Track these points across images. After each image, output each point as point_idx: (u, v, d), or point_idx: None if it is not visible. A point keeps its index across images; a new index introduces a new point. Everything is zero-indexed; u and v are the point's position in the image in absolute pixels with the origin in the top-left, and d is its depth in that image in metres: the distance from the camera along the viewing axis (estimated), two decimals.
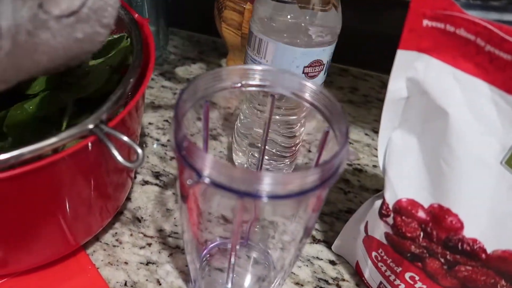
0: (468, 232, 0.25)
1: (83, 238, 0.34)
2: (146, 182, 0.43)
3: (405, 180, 0.27)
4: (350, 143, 0.50)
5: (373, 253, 0.32)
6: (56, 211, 0.28)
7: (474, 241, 0.25)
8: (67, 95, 0.31)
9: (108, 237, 0.37)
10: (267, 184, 0.20)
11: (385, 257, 0.30)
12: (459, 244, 0.25)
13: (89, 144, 0.25)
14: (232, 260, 0.30)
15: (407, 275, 0.29)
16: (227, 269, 0.34)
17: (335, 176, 0.22)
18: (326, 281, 0.36)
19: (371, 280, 0.34)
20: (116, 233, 0.38)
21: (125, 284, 0.34)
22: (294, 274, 0.37)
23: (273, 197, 0.21)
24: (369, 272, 0.34)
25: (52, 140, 0.23)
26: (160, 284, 0.35)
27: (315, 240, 0.39)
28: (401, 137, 0.27)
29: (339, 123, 0.24)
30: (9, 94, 0.24)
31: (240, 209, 0.24)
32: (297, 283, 0.36)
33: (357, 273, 0.36)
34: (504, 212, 0.23)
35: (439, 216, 0.26)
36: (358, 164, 0.47)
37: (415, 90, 0.25)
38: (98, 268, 0.35)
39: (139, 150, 0.24)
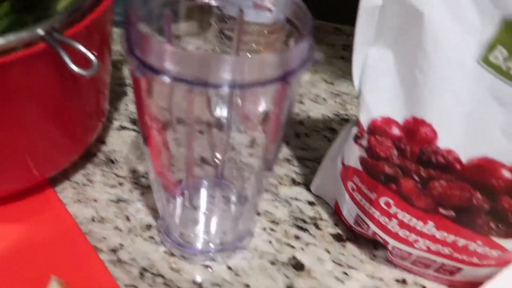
0: (443, 143, 0.23)
1: (47, 170, 0.33)
2: (122, 128, 0.41)
3: (380, 98, 0.26)
4: (339, 94, 0.48)
5: (349, 184, 0.31)
6: (13, 127, 0.26)
7: (449, 151, 0.23)
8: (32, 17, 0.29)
9: (78, 177, 0.36)
10: (226, 70, 0.19)
11: (360, 185, 0.29)
12: (433, 157, 0.24)
13: (40, 52, 0.23)
14: (186, 177, 0.29)
15: (382, 201, 0.28)
16: (198, 207, 0.33)
17: (298, 71, 0.20)
18: (303, 220, 0.35)
19: (348, 215, 0.32)
20: (87, 173, 0.37)
21: (93, 220, 0.33)
22: (270, 213, 0.35)
23: (233, 86, 0.19)
24: (346, 207, 0.32)
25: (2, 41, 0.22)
26: (129, 221, 0.33)
27: (294, 183, 0.38)
28: (377, 54, 0.26)
29: (304, 22, 0.22)
30: None
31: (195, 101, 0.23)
32: (272, 221, 0.35)
33: (335, 212, 0.35)
34: (481, 115, 0.22)
35: (413, 129, 0.24)
36: (346, 115, 0.46)
37: None
38: (66, 204, 0.34)
39: (93, 58, 0.23)
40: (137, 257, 0.31)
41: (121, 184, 0.36)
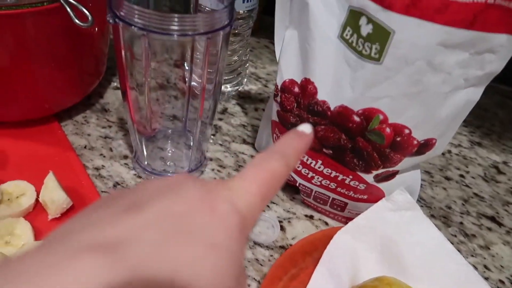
0: (320, 95, 0.33)
1: (55, 106, 0.44)
2: (117, 88, 0.53)
3: (289, 65, 0.36)
4: None
5: (274, 136, 0.41)
6: (30, 67, 0.38)
7: (324, 102, 0.33)
8: None
9: (79, 118, 0.47)
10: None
11: (278, 134, 0.39)
12: (315, 107, 0.34)
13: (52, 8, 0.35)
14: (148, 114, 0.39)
15: None
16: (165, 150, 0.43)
17: (225, 29, 0.31)
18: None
19: None
20: (86, 116, 0.48)
21: (85, 147, 0.44)
22: (220, 160, 0.46)
23: (182, 34, 0.30)
24: None
25: None
26: (111, 151, 0.44)
27: (245, 142, 0.48)
28: (289, 34, 0.36)
29: None
30: None
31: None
32: (220, 166, 0.45)
33: None
34: (340, 74, 0.31)
35: (305, 87, 0.34)
36: None
37: None
38: (67, 135, 0.45)
39: (89, 15, 0.34)
40: (113, 175, 0.42)
41: (110, 126, 0.47)
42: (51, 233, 0.14)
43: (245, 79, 0.55)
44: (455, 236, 0.42)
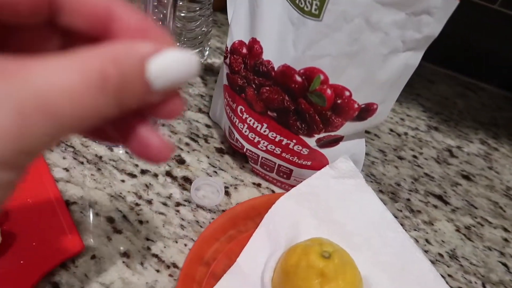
0: (265, 55, 0.33)
1: None
2: None
3: (239, 27, 0.36)
4: None
5: (225, 100, 0.40)
6: None
7: (268, 62, 0.33)
8: None
9: None
10: None
11: (228, 99, 0.39)
12: (260, 67, 0.34)
13: None
14: None
15: (238, 109, 0.38)
16: None
17: None
18: (197, 135, 0.45)
19: (227, 130, 0.42)
20: None
21: None
22: (172, 126, 0.45)
23: None
24: (224, 123, 0.42)
25: None
26: None
27: (200, 111, 0.48)
28: None
29: None
30: None
31: None
32: (172, 131, 0.45)
33: (224, 134, 0.45)
34: (284, 33, 0.31)
35: (252, 47, 0.34)
36: None
37: None
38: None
39: None
40: None
41: None
42: None
43: (207, 52, 0.54)
44: (401, 211, 0.43)
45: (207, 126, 0.46)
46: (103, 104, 0.14)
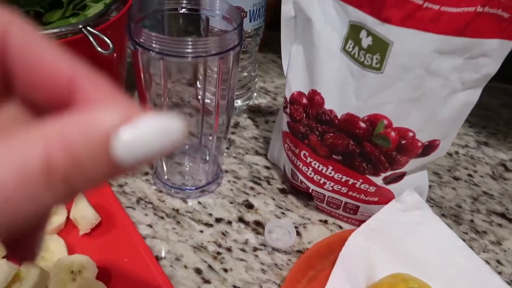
0: (327, 105, 0.35)
1: None
2: None
3: (296, 78, 0.38)
4: None
5: (286, 146, 0.43)
6: None
7: (331, 111, 0.35)
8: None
9: None
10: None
11: (290, 144, 0.41)
12: (323, 116, 0.36)
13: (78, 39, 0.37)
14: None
15: (302, 154, 0.40)
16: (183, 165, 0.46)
17: (235, 49, 0.33)
18: (259, 178, 0.47)
19: (289, 172, 0.44)
20: None
21: None
22: (235, 171, 0.48)
23: (196, 56, 0.32)
24: (286, 165, 0.44)
25: (56, 30, 0.36)
26: None
27: (257, 153, 0.51)
28: (295, 49, 0.38)
29: (235, 19, 0.36)
30: None
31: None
32: (235, 177, 0.47)
33: (284, 174, 0.47)
34: (345, 85, 0.34)
35: (312, 98, 0.36)
36: None
37: (297, 8, 0.36)
38: None
39: (110, 43, 0.37)
40: (136, 191, 0.44)
41: None
42: None
43: (255, 94, 0.57)
44: (466, 233, 0.44)
45: (267, 167, 0.49)
46: (47, 197, 0.11)
